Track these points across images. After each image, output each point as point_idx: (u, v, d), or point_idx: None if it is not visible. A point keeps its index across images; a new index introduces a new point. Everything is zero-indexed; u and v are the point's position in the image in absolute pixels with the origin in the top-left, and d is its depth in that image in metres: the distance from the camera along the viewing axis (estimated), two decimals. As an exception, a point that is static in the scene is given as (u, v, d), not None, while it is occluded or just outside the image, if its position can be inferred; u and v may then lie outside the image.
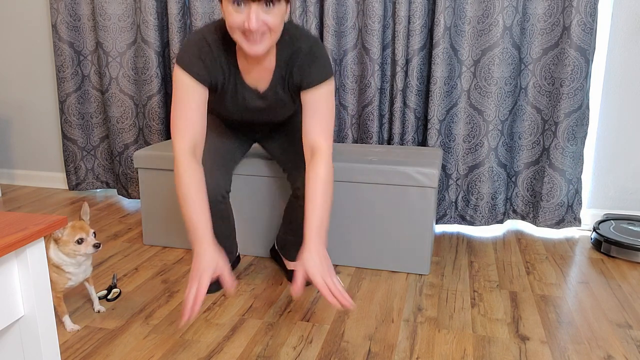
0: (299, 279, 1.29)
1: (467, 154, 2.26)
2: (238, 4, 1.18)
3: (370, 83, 2.26)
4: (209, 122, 1.70)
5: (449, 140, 2.27)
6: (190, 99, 1.35)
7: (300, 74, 1.42)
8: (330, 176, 1.40)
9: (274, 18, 1.20)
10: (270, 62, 1.42)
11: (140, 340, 1.47)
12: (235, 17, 1.20)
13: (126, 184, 2.70)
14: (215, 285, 1.72)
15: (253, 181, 1.98)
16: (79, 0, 2.59)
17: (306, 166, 1.42)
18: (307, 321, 1.57)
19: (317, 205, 1.36)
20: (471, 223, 2.32)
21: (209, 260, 1.28)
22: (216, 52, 1.39)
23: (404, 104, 2.27)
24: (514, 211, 2.34)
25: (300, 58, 1.40)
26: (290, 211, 1.71)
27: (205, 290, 1.25)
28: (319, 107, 1.41)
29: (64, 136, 2.76)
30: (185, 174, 1.33)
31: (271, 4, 1.19)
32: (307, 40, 1.41)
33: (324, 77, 1.40)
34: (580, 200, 2.24)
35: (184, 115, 1.34)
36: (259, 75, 1.44)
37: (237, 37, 1.27)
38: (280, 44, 1.40)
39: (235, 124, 1.70)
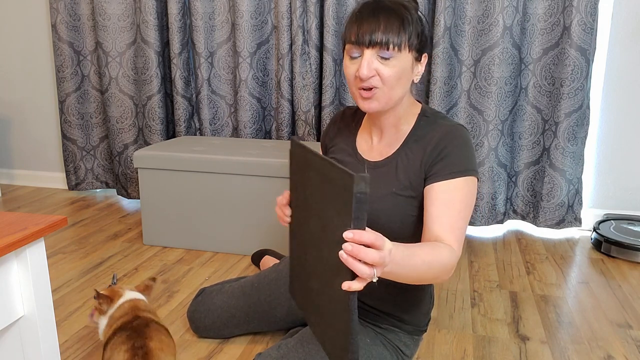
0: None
1: (467, 154, 2.26)
2: (352, 57, 1.08)
3: (370, 83, 2.25)
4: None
5: (449, 140, 2.27)
6: None
7: (434, 157, 1.10)
8: (451, 263, 1.00)
9: (389, 69, 1.04)
10: (398, 134, 1.17)
11: (140, 340, 1.46)
12: (349, 69, 1.10)
13: (126, 184, 2.69)
14: None
15: (251, 181, 1.98)
16: (78, 0, 2.59)
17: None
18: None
19: (426, 251, 0.96)
20: (471, 223, 2.31)
21: None
22: (347, 119, 1.29)
23: (404, 103, 2.27)
24: (514, 211, 2.34)
25: (438, 139, 1.11)
26: None
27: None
28: (452, 201, 1.07)
29: (64, 136, 2.76)
30: None
31: (387, 52, 1.03)
32: (450, 122, 1.14)
33: (464, 167, 1.08)
34: (581, 201, 2.24)
35: None
36: (378, 144, 1.20)
37: (354, 93, 1.13)
38: (421, 119, 1.17)
39: None
